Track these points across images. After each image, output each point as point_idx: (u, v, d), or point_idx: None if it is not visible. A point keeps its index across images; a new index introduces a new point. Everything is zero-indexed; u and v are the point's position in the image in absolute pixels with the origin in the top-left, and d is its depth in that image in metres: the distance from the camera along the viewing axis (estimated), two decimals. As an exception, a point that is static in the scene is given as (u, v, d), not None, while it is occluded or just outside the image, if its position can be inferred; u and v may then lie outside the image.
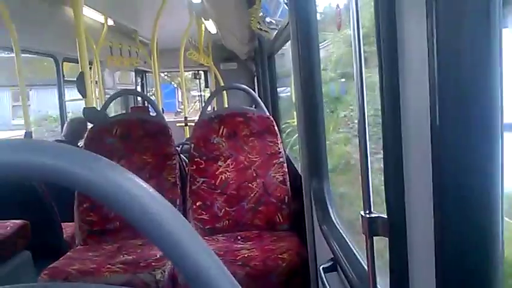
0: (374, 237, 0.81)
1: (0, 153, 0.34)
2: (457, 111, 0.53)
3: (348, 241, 1.26)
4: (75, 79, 2.69)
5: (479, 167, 0.54)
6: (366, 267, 1.03)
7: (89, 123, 2.98)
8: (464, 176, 0.55)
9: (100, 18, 4.42)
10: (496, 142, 0.53)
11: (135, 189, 0.36)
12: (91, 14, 4.10)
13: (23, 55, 3.57)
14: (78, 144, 3.83)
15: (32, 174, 0.34)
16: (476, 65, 0.52)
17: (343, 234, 1.32)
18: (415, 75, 0.62)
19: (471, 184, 0.55)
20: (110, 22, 4.59)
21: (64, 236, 2.76)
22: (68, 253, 2.35)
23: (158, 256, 2.18)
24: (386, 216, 0.76)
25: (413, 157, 0.66)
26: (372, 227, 0.81)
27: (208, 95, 7.33)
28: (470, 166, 0.54)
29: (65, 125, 3.82)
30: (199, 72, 7.78)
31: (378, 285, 0.84)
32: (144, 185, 0.37)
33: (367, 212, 0.82)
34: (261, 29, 3.06)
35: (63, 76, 4.60)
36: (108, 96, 4.32)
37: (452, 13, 0.51)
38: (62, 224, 2.74)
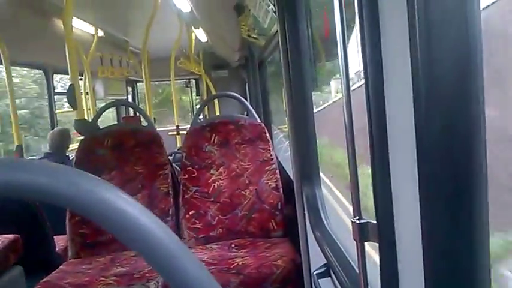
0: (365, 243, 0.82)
1: None
2: (441, 116, 0.54)
3: (340, 246, 1.26)
4: (65, 91, 2.68)
5: (465, 171, 0.55)
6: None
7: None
8: (450, 179, 0.55)
9: (90, 29, 4.41)
10: (480, 148, 0.54)
11: (124, 205, 0.36)
12: (81, 26, 4.09)
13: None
14: (67, 153, 3.80)
15: (19, 192, 0.35)
16: (458, 64, 0.52)
17: (335, 239, 1.32)
18: (398, 85, 0.62)
19: (457, 188, 0.55)
20: (100, 33, 4.58)
21: (56, 249, 2.73)
22: (61, 266, 2.32)
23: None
24: (375, 222, 0.77)
25: (400, 162, 0.66)
26: (362, 232, 0.81)
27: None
28: (456, 171, 0.55)
29: (48, 138, 3.74)
30: (191, 80, 7.79)
31: None
32: (131, 199, 0.37)
33: (357, 217, 0.82)
34: (250, 36, 3.08)
35: (54, 88, 4.58)
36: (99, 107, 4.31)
37: (433, 12, 0.52)
38: (54, 237, 2.71)
